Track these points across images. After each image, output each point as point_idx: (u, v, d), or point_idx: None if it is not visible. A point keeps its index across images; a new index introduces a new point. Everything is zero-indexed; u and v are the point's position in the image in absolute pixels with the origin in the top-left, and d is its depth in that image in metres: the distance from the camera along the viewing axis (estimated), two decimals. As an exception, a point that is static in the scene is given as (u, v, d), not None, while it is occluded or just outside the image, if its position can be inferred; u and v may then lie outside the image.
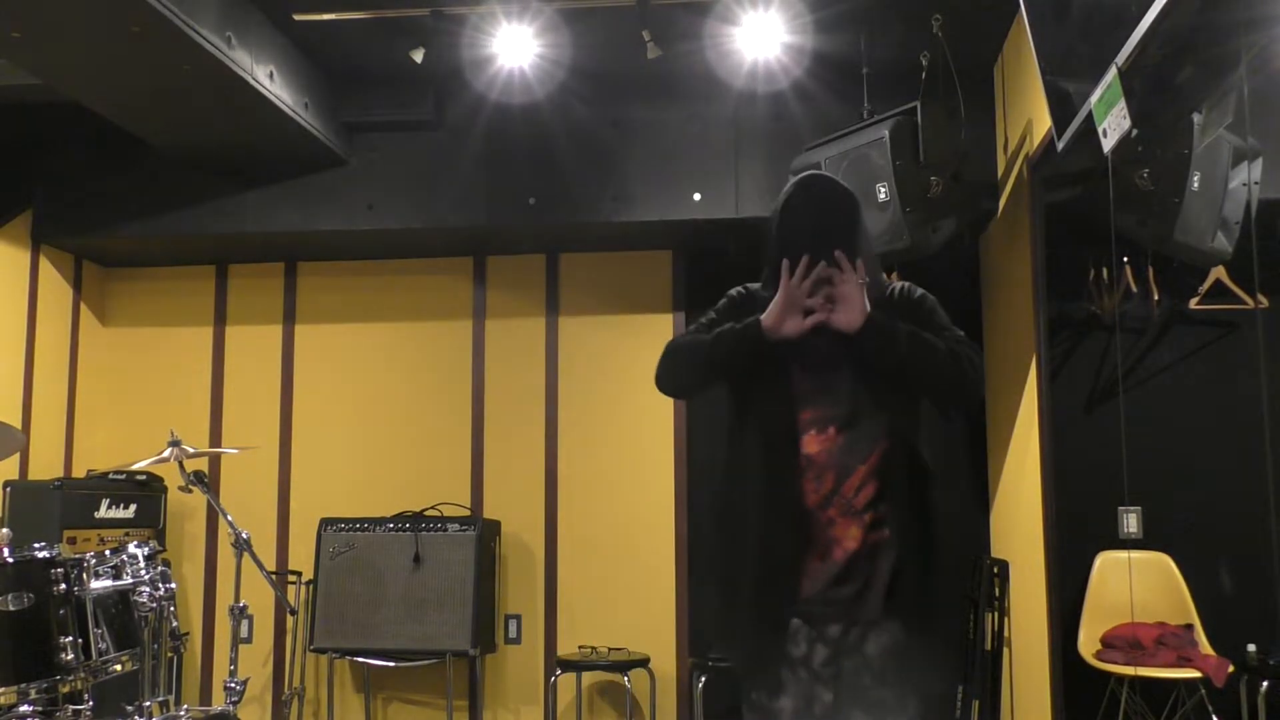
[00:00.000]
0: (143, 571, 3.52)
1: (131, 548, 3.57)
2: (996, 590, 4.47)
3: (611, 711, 5.11)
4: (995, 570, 4.52)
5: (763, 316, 2.26)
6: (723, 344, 2.30)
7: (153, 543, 3.73)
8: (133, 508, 4.95)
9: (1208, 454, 4.38)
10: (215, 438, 5.45)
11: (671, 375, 2.39)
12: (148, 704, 3.49)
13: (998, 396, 4.67)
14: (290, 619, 5.19)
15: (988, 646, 4.50)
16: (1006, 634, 4.44)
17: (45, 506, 4.62)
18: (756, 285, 2.44)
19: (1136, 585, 4.28)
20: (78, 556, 3.37)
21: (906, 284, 2.43)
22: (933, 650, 2.26)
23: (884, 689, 2.20)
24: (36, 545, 3.33)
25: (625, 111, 4.82)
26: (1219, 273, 4.07)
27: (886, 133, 3.88)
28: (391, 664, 4.86)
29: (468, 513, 5.14)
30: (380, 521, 4.91)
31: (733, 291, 2.47)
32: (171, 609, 3.58)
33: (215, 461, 5.38)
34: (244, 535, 3.89)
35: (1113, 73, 2.55)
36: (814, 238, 2.29)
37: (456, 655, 4.74)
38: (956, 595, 2.39)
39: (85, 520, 4.72)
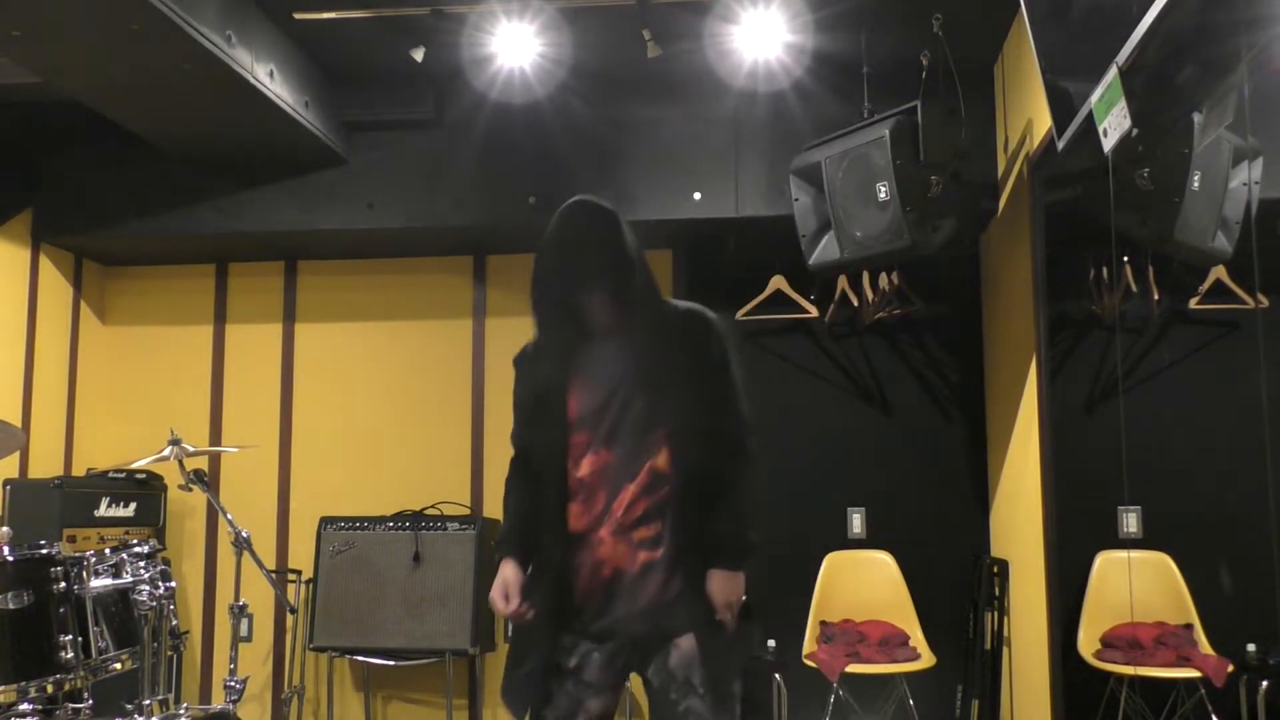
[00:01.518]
0: (142, 570, 3.52)
1: (132, 546, 3.57)
2: (996, 590, 4.47)
3: (611, 710, 5.11)
4: (995, 570, 4.52)
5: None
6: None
7: (152, 541, 3.73)
8: (133, 506, 4.95)
9: (1208, 454, 4.38)
10: (215, 436, 5.45)
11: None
12: (147, 702, 3.49)
13: (998, 396, 4.68)
14: (290, 617, 5.19)
15: (987, 646, 4.51)
16: (1006, 633, 4.45)
17: (45, 505, 4.63)
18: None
19: (1136, 585, 4.28)
20: (77, 555, 3.37)
21: (693, 307, 2.41)
22: (730, 657, 2.27)
23: (694, 699, 2.20)
24: (36, 543, 3.34)
25: (625, 111, 4.81)
26: (1219, 273, 4.07)
27: (886, 132, 3.88)
28: (391, 663, 4.86)
29: (468, 511, 5.14)
30: (380, 520, 4.91)
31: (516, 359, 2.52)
32: (171, 607, 3.59)
33: (215, 460, 5.38)
34: (244, 534, 3.89)
35: (1113, 72, 2.55)
36: (574, 273, 2.33)
37: (456, 654, 4.74)
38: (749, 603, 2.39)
39: (85, 519, 4.72)
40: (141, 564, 3.54)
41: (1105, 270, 4.32)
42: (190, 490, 3.90)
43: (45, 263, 5.17)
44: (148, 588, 3.46)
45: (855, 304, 4.81)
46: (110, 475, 4.88)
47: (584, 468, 2.27)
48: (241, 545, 3.88)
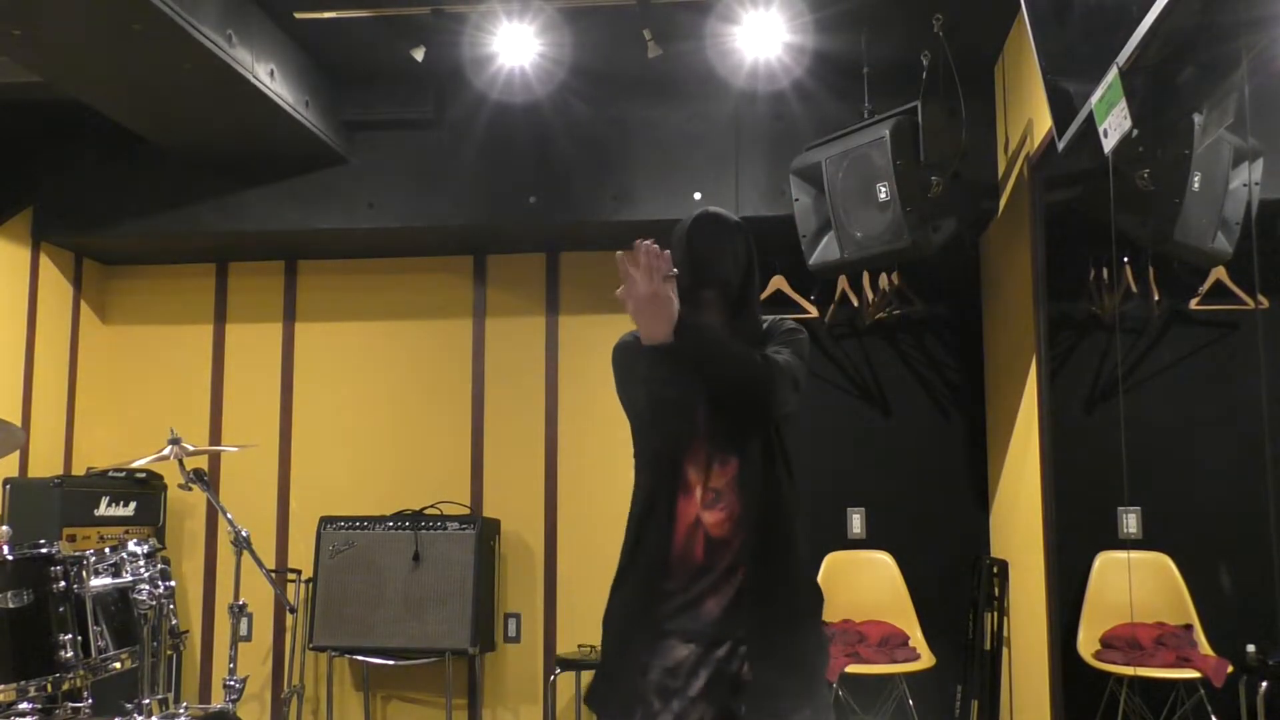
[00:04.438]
0: (142, 569, 3.52)
1: (131, 545, 3.57)
2: (996, 590, 4.47)
3: (611, 710, 5.10)
4: (995, 570, 4.52)
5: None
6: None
7: (152, 540, 3.73)
8: (132, 505, 4.96)
9: (1208, 454, 4.38)
10: (215, 435, 5.45)
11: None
12: (147, 702, 3.48)
13: (998, 396, 4.68)
14: (290, 617, 5.19)
15: (987, 646, 4.51)
16: (1006, 634, 4.45)
17: (45, 504, 4.63)
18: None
19: (1136, 585, 4.28)
20: (77, 554, 3.37)
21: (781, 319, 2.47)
22: (806, 671, 2.24)
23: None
24: (36, 543, 3.33)
25: (626, 111, 4.82)
26: (1219, 273, 4.07)
27: (887, 132, 3.88)
28: (391, 662, 4.87)
29: (467, 511, 5.14)
30: (380, 520, 4.91)
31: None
32: (171, 607, 3.58)
33: (215, 459, 5.38)
34: (244, 533, 3.89)
35: (1114, 73, 2.55)
36: (715, 265, 2.42)
37: (456, 654, 4.74)
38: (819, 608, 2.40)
39: (85, 518, 4.72)
40: (141, 563, 3.53)
41: (1105, 270, 4.32)
42: (190, 490, 3.90)
43: (45, 262, 5.17)
44: (147, 587, 3.46)
45: (855, 304, 4.81)
46: (110, 474, 4.88)
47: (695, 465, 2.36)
48: (241, 545, 3.88)
